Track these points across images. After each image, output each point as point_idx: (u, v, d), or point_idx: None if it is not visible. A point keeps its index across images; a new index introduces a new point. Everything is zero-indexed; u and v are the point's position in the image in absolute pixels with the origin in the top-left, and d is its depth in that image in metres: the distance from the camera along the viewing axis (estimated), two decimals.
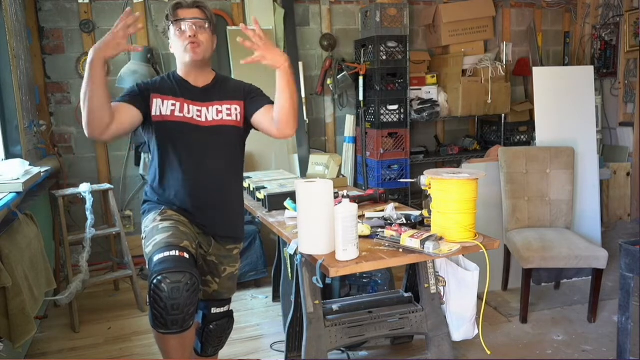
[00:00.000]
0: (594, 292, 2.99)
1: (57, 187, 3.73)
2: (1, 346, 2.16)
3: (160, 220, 1.83)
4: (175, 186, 1.94)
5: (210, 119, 1.95)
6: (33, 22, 3.82)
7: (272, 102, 2.01)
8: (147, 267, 1.73)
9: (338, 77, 4.40)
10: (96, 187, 3.38)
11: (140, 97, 1.91)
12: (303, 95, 4.43)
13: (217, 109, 1.97)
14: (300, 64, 4.43)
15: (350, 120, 4.62)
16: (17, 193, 2.54)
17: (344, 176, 4.36)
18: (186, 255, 1.67)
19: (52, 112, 3.98)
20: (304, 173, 4.30)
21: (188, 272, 1.62)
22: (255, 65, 1.92)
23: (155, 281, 1.58)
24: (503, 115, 4.70)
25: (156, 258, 1.64)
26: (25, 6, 3.63)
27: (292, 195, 2.60)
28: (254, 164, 4.15)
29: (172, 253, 1.64)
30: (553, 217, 3.36)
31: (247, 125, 2.05)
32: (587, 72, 3.68)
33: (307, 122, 4.48)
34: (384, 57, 4.22)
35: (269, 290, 3.51)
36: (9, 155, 3.12)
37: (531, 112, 4.76)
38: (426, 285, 2.31)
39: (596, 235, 3.54)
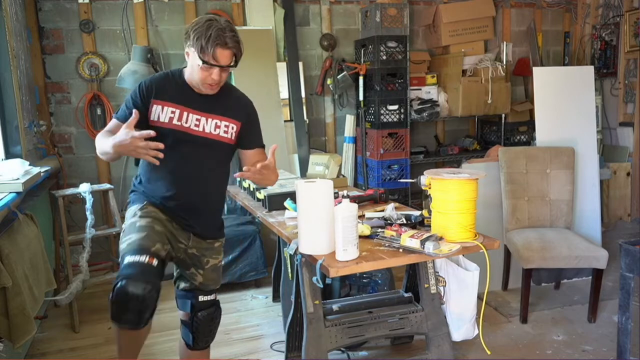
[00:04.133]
0: (594, 292, 2.99)
1: (57, 187, 3.74)
2: (1, 346, 2.17)
3: (140, 217, 1.89)
4: (161, 188, 1.98)
5: (207, 131, 1.97)
6: (33, 22, 3.82)
7: (262, 146, 2.10)
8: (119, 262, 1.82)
9: (338, 77, 4.41)
10: (96, 187, 3.37)
11: (141, 113, 1.91)
12: (303, 95, 4.44)
13: (215, 123, 1.98)
14: (300, 64, 4.43)
15: (350, 120, 4.62)
16: (17, 193, 2.54)
17: (344, 176, 4.35)
18: (154, 262, 1.76)
19: (52, 112, 3.98)
20: (304, 173, 4.30)
21: (150, 282, 1.72)
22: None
23: (119, 284, 1.69)
24: (503, 115, 4.69)
25: (126, 260, 1.74)
26: (25, 6, 3.63)
27: (292, 195, 2.60)
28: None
29: (141, 259, 1.73)
30: (553, 217, 3.36)
31: (237, 143, 2.09)
32: (587, 72, 3.68)
33: (307, 122, 4.48)
34: (384, 57, 4.22)
35: (269, 290, 3.51)
36: (9, 155, 3.12)
37: (531, 112, 4.76)
38: (426, 285, 2.31)
39: (596, 235, 3.54)
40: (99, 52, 3.99)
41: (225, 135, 2.00)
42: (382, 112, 4.28)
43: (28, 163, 2.91)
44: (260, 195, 2.80)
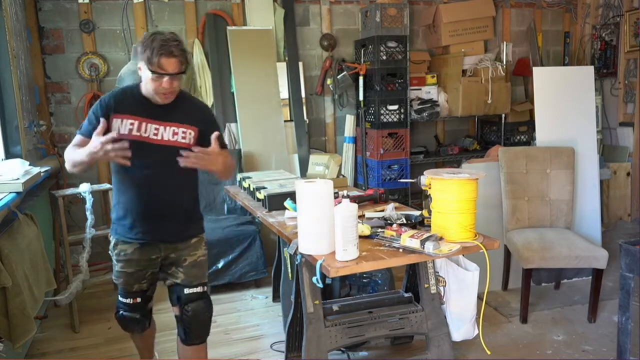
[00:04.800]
0: (594, 292, 3.00)
1: (57, 187, 3.73)
2: (1, 346, 2.17)
3: (116, 260, 2.19)
4: (129, 198, 2.11)
5: (166, 138, 2.05)
6: (33, 22, 3.82)
7: (224, 146, 2.14)
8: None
9: (338, 77, 4.40)
10: (96, 187, 3.37)
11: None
12: (303, 95, 4.44)
13: (173, 130, 2.06)
14: (300, 64, 4.44)
15: (350, 120, 4.62)
16: (17, 193, 2.54)
17: (344, 176, 4.36)
18: (138, 300, 2.22)
19: (52, 112, 3.98)
20: (304, 173, 4.30)
21: (139, 312, 2.25)
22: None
23: (119, 313, 2.27)
24: (503, 115, 4.70)
25: (119, 299, 2.24)
26: (25, 6, 3.63)
27: (292, 195, 2.59)
28: (254, 164, 4.14)
29: (129, 301, 2.22)
30: (553, 217, 3.36)
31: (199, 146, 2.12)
32: (587, 72, 3.68)
33: (307, 122, 4.48)
34: (384, 57, 4.22)
35: (269, 290, 3.51)
36: (9, 155, 3.12)
37: (531, 112, 4.76)
38: (426, 285, 2.31)
39: (596, 235, 3.54)
40: (99, 52, 3.99)
41: (184, 140, 2.07)
42: (382, 112, 4.28)
43: (28, 163, 2.91)
44: (260, 195, 2.80)
